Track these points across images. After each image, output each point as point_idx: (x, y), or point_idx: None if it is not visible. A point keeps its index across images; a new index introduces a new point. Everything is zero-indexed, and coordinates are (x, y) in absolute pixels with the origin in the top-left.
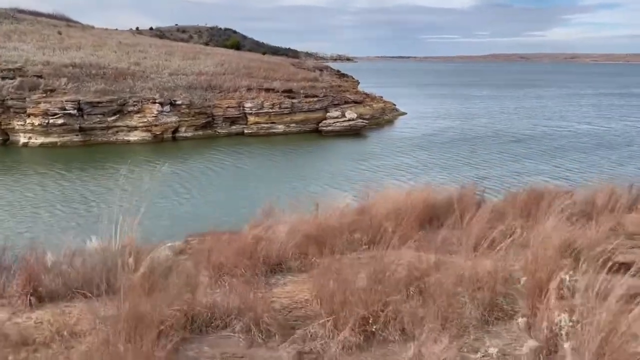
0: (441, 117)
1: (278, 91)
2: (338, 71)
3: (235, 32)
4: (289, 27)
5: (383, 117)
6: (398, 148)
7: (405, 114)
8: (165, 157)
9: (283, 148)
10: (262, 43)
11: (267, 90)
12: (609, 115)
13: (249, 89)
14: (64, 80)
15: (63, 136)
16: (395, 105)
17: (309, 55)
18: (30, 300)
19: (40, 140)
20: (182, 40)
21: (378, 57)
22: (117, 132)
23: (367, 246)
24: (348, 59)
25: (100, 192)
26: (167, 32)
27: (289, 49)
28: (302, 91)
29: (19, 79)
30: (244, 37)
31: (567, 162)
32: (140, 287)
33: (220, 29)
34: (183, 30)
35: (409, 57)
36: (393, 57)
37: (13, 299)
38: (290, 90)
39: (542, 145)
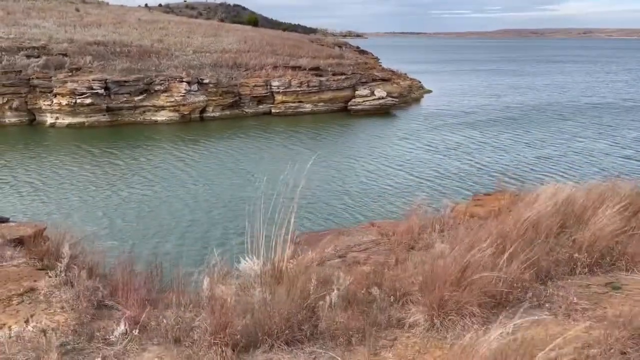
0: (469, 94)
1: (305, 69)
2: (357, 47)
3: (244, 8)
4: (296, 3)
5: (410, 95)
6: (440, 126)
7: (431, 91)
8: (212, 137)
9: (325, 127)
10: (273, 20)
11: (294, 68)
12: None
13: (275, 67)
14: (89, 58)
15: (90, 116)
16: (420, 82)
17: (319, 32)
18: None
19: (67, 120)
20: (191, 17)
21: (387, 32)
22: (144, 112)
23: None
24: (358, 35)
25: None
26: (176, 8)
27: (298, 25)
28: (329, 69)
29: (44, 57)
30: (253, 13)
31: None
32: None
33: (230, 5)
34: (192, 7)
35: (418, 33)
36: (403, 32)
37: (199, 348)
38: (317, 68)
39: (594, 120)
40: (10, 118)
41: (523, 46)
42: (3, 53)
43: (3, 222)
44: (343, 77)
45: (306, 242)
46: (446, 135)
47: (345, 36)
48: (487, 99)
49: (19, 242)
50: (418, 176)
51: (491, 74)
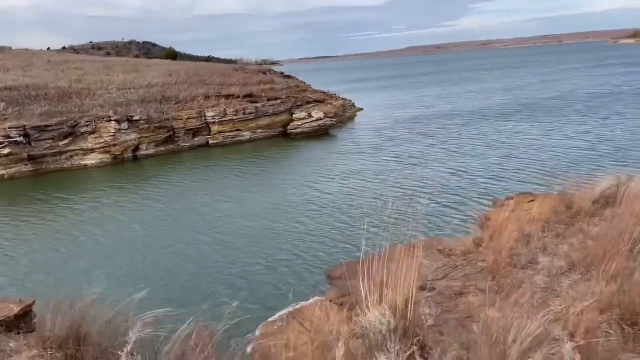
0: (399, 108)
1: (239, 97)
2: (282, 73)
3: (155, 45)
4: (208, 36)
5: (345, 114)
6: (392, 138)
7: (362, 109)
8: (147, 177)
9: (269, 153)
10: (186, 54)
11: (227, 97)
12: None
13: (206, 97)
14: (2, 105)
15: (10, 167)
16: (352, 101)
17: (239, 62)
18: None
19: None
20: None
21: (302, 59)
22: (71, 157)
23: None
24: (273, 63)
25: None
26: (82, 50)
27: (212, 57)
28: (263, 94)
29: None
30: (163, 49)
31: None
32: None
33: (139, 43)
34: (99, 47)
35: (331, 57)
36: (316, 57)
37: None
38: (251, 95)
39: (537, 118)
40: None
41: (431, 61)
42: None
43: None
44: (278, 101)
45: (347, 276)
46: (404, 146)
47: (261, 64)
48: (419, 110)
49: (4, 324)
50: (400, 186)
51: (413, 88)
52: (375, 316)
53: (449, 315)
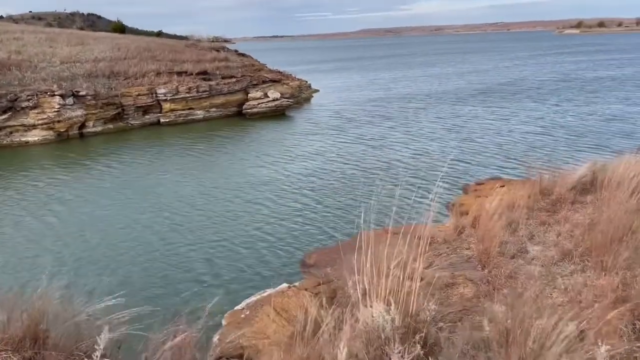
0: (355, 89)
1: (192, 74)
2: (236, 51)
3: (100, 17)
4: (157, 11)
5: (301, 95)
6: (352, 120)
7: (318, 90)
8: (95, 155)
9: (224, 132)
10: (134, 28)
11: (179, 73)
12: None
13: (158, 74)
14: None
15: None
16: (308, 82)
17: (190, 38)
18: None
19: None
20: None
21: (255, 37)
22: (11, 132)
23: None
24: (225, 41)
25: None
26: (21, 20)
27: (161, 32)
28: (217, 72)
29: None
30: (110, 22)
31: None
32: None
33: (83, 14)
34: (39, 17)
35: (285, 37)
36: (270, 36)
37: None
38: (205, 72)
39: (493, 102)
40: None
41: (385, 44)
42: None
43: None
44: (233, 80)
45: (321, 263)
46: (365, 128)
47: (212, 42)
48: (375, 92)
49: None
50: (363, 168)
51: (368, 70)
52: (378, 312)
53: (443, 308)
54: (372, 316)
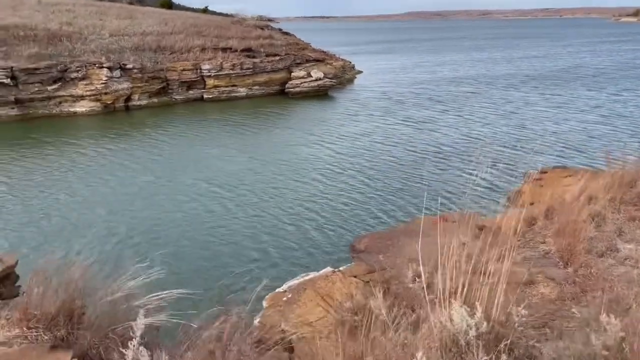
0: (402, 72)
1: (236, 50)
2: (280, 29)
3: None
4: None
5: (344, 75)
6: (400, 102)
7: (362, 72)
8: (142, 127)
9: (278, 112)
10: (181, 5)
11: (224, 49)
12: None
13: (203, 49)
14: None
15: None
16: (351, 63)
17: (236, 16)
18: None
19: None
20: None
21: (298, 17)
22: (60, 102)
23: None
24: (270, 20)
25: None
26: None
27: (206, 8)
28: (262, 50)
29: None
30: None
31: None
32: None
33: None
34: None
35: (328, 17)
36: (313, 16)
37: None
38: (249, 49)
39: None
40: None
41: (431, 27)
42: None
43: None
44: (277, 58)
45: (372, 249)
46: (414, 110)
47: (257, 20)
48: (421, 75)
49: None
50: (412, 151)
51: (414, 53)
52: (460, 314)
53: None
54: (452, 319)
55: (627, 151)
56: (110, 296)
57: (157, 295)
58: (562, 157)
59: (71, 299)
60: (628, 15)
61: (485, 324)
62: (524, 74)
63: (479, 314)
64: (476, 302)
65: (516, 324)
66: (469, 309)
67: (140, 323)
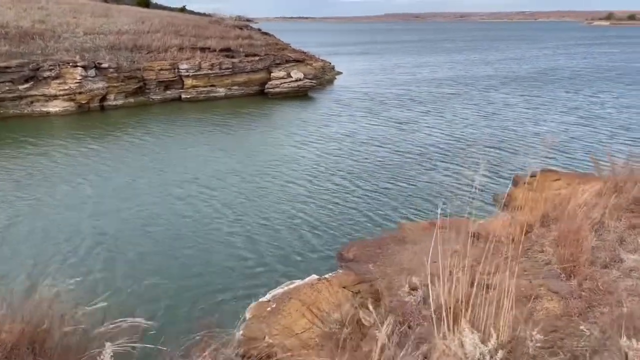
0: (382, 73)
1: (215, 50)
2: (259, 29)
3: None
4: None
5: (324, 76)
6: (382, 103)
7: (342, 72)
8: (117, 128)
9: (257, 113)
10: (159, 4)
11: (203, 49)
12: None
13: (181, 49)
14: None
15: None
16: (331, 64)
17: (214, 15)
18: None
19: None
20: None
21: (277, 17)
22: (32, 102)
23: None
24: (248, 20)
25: None
26: None
27: (184, 7)
28: (241, 50)
29: None
30: None
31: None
32: None
33: None
34: None
35: (307, 18)
36: (292, 17)
37: None
38: (228, 49)
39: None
40: None
41: (411, 29)
42: None
43: None
44: (257, 58)
45: (362, 258)
46: (395, 111)
47: (235, 20)
48: (401, 76)
49: None
50: (397, 152)
51: (393, 54)
52: (470, 340)
53: (527, 326)
54: (462, 345)
55: (613, 156)
56: (76, 323)
57: (126, 320)
58: (546, 157)
59: (34, 325)
60: (600, 19)
61: (500, 352)
62: (503, 76)
63: (493, 340)
64: (490, 327)
65: (531, 351)
66: (480, 334)
67: (109, 351)
